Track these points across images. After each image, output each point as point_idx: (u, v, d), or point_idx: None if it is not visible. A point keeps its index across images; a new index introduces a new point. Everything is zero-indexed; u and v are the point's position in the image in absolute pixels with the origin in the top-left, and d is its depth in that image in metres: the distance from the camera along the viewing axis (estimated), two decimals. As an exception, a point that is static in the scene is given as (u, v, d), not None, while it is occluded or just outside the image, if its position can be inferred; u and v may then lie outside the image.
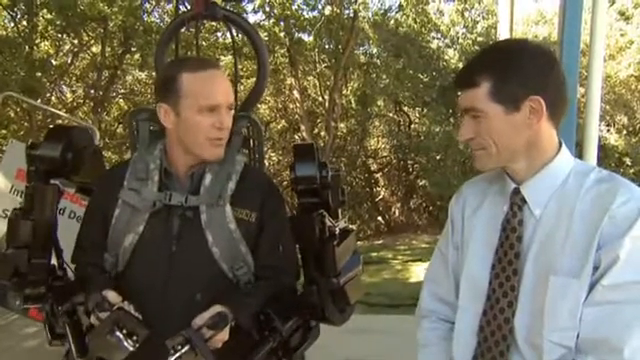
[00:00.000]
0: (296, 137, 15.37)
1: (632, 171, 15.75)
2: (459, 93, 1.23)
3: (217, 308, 1.43)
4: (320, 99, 15.69)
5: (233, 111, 1.57)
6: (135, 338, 1.31)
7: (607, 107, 15.61)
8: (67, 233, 1.78)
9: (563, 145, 1.23)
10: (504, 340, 1.22)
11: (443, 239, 1.44)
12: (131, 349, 1.31)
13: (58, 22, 11.21)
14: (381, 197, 16.43)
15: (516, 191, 1.24)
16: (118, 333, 1.31)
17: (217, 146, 1.53)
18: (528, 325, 1.19)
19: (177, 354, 1.30)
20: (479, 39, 15.12)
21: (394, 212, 16.22)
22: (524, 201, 1.22)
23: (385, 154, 16.69)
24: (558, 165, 1.21)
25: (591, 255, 1.11)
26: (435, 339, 1.41)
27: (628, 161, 15.49)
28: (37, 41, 11.79)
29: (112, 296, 1.41)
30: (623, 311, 1.09)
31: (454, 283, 1.37)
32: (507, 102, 1.15)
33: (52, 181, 1.75)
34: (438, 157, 14.81)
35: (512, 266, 1.21)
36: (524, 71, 1.15)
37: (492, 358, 1.24)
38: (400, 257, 10.37)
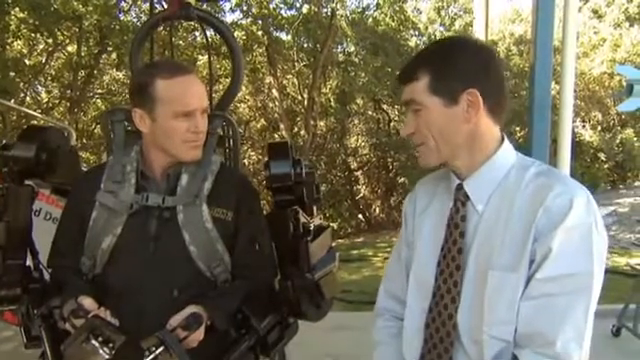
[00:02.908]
0: (276, 136, 15.35)
1: (607, 166, 16.05)
2: (403, 87, 1.24)
3: (191, 308, 1.44)
4: (299, 98, 15.69)
5: (207, 112, 1.58)
6: (111, 345, 1.31)
7: (582, 104, 15.88)
8: (43, 235, 1.77)
9: (505, 140, 1.24)
10: (448, 336, 1.23)
11: (399, 237, 1.45)
12: (107, 357, 1.30)
13: (31, 21, 11.03)
14: (361, 195, 16.49)
15: (459, 187, 1.24)
16: (94, 341, 1.30)
17: (194, 148, 1.55)
18: (470, 320, 1.20)
19: (152, 355, 1.30)
20: (456, 37, 15.24)
21: (374, 210, 16.30)
22: (467, 197, 1.23)
23: (365, 152, 16.74)
24: (500, 160, 1.21)
25: (527, 249, 1.12)
26: (388, 337, 1.42)
27: (603, 156, 15.77)
28: (9, 40, 11.58)
29: (88, 303, 1.41)
30: (556, 304, 1.10)
31: (406, 280, 1.37)
32: (445, 95, 1.17)
33: (26, 182, 1.73)
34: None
35: (455, 262, 1.22)
36: (461, 65, 1.17)
37: (437, 355, 1.25)
38: (380, 254, 10.39)
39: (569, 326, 1.09)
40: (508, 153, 1.23)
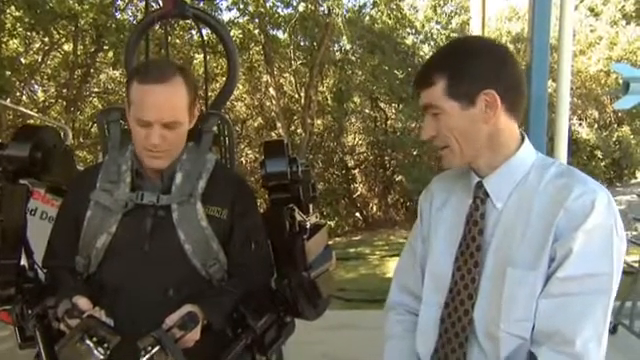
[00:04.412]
0: (273, 134, 15.34)
1: (603, 164, 16.10)
2: (419, 93, 1.25)
3: (187, 308, 1.43)
4: (296, 96, 15.68)
5: (176, 127, 1.51)
6: (106, 346, 1.30)
7: (578, 102, 15.93)
8: (39, 234, 1.76)
9: (526, 139, 1.25)
10: (463, 331, 1.24)
11: (413, 232, 1.46)
12: (101, 357, 1.29)
13: (27, 19, 10.98)
14: (358, 193, 16.50)
15: (479, 185, 1.25)
16: (88, 342, 1.29)
17: (153, 157, 1.52)
18: (486, 316, 1.21)
19: (148, 355, 1.29)
20: (453, 35, 15.27)
21: (372, 208, 16.30)
22: (486, 194, 1.24)
23: (362, 150, 16.75)
24: (520, 159, 1.22)
25: (547, 248, 1.13)
26: (401, 331, 1.43)
27: (599, 154, 15.83)
28: (5, 39, 11.54)
29: (82, 303, 1.40)
30: (576, 303, 1.11)
31: (421, 275, 1.39)
32: (462, 98, 1.17)
33: (21, 181, 1.73)
34: (415, 153, 14.94)
35: (473, 259, 1.23)
36: (476, 66, 1.17)
37: (452, 350, 1.26)
38: (378, 252, 10.42)
39: (589, 325, 1.10)
40: (528, 152, 1.24)
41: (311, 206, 1.76)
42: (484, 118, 1.18)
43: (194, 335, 1.41)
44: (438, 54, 1.27)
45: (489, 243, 1.22)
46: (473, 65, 1.17)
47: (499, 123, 1.19)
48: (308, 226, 1.65)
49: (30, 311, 1.57)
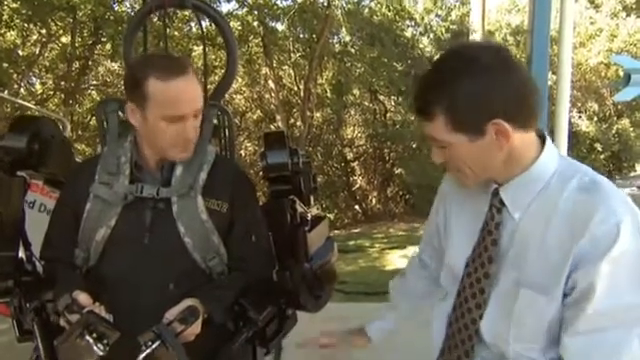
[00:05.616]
0: (272, 127, 15.30)
1: (603, 157, 16.10)
2: (419, 120, 1.14)
3: (187, 302, 1.43)
4: (295, 88, 15.63)
5: (200, 112, 1.53)
6: (105, 342, 1.29)
7: (578, 94, 15.89)
8: (37, 227, 1.74)
9: (547, 143, 1.14)
10: (470, 340, 1.21)
11: (433, 208, 1.42)
12: (101, 353, 1.28)
13: (24, 11, 10.91)
14: (358, 186, 16.48)
15: (495, 193, 1.17)
16: (88, 337, 1.28)
17: (183, 150, 1.52)
18: (494, 330, 1.18)
19: (148, 350, 1.29)
20: (452, 27, 15.22)
21: (371, 200, 16.29)
22: (502, 204, 1.16)
23: (361, 143, 16.72)
24: (540, 167, 1.12)
25: (564, 274, 1.06)
26: (418, 269, 1.52)
27: (599, 147, 15.83)
28: (2, 31, 11.47)
29: (83, 298, 1.39)
30: (609, 339, 1.05)
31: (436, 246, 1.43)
32: (468, 130, 1.07)
33: (18, 173, 1.71)
34: (414, 145, 14.91)
35: (484, 269, 1.18)
36: (475, 94, 1.04)
37: (458, 357, 1.24)
38: (377, 245, 10.41)
39: (624, 359, 1.04)
40: (550, 158, 1.13)
41: (312, 198, 1.75)
42: (497, 145, 1.07)
43: (195, 329, 1.40)
44: (429, 78, 1.12)
45: (504, 256, 1.16)
46: (470, 90, 1.04)
47: (514, 143, 1.08)
48: (309, 218, 1.64)
49: (28, 304, 1.56)
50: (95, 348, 1.28)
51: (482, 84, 1.04)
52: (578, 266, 1.04)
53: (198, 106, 1.49)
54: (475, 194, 1.23)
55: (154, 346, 1.29)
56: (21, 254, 1.72)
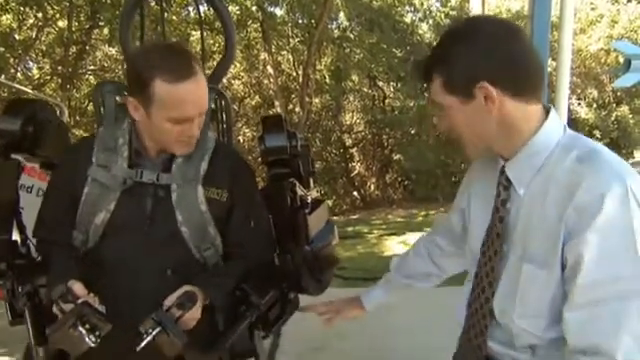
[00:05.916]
0: (270, 113, 15.25)
1: (601, 143, 16.04)
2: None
3: (185, 287, 1.43)
4: (294, 74, 15.56)
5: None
6: (97, 333, 1.29)
7: (578, 81, 15.83)
8: (35, 211, 1.72)
9: (550, 115, 1.14)
10: (484, 318, 1.23)
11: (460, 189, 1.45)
12: (92, 344, 1.29)
13: (19, -6, 10.80)
14: (356, 172, 16.48)
15: (502, 170, 1.19)
16: (80, 328, 1.28)
17: (186, 145, 1.50)
18: (503, 307, 1.19)
19: (149, 337, 1.29)
20: (452, 13, 15.11)
21: (369, 187, 16.30)
22: (509, 181, 1.17)
23: (360, 129, 16.69)
24: (541, 140, 1.12)
25: (559, 246, 1.06)
26: (429, 246, 1.57)
27: (598, 134, 15.78)
28: (-2, 14, 11.37)
29: (77, 288, 1.38)
30: (606, 312, 1.02)
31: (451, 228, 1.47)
32: (459, 93, 1.12)
33: (13, 156, 1.69)
34: (413, 131, 14.89)
35: (494, 247, 1.19)
36: (463, 59, 1.10)
37: (475, 335, 1.27)
38: (376, 231, 10.44)
39: (627, 335, 1.00)
40: (551, 130, 1.13)
41: (311, 180, 1.74)
42: (487, 110, 1.10)
43: (194, 314, 1.40)
44: (435, 46, 1.19)
45: (512, 233, 1.16)
46: (460, 58, 1.10)
47: (505, 110, 1.10)
48: (309, 200, 1.63)
49: (20, 288, 1.55)
50: (87, 339, 1.28)
51: (476, 49, 1.09)
52: (569, 237, 1.04)
53: (205, 107, 1.47)
54: (492, 177, 1.24)
55: (154, 333, 1.30)
56: (16, 237, 1.71)
